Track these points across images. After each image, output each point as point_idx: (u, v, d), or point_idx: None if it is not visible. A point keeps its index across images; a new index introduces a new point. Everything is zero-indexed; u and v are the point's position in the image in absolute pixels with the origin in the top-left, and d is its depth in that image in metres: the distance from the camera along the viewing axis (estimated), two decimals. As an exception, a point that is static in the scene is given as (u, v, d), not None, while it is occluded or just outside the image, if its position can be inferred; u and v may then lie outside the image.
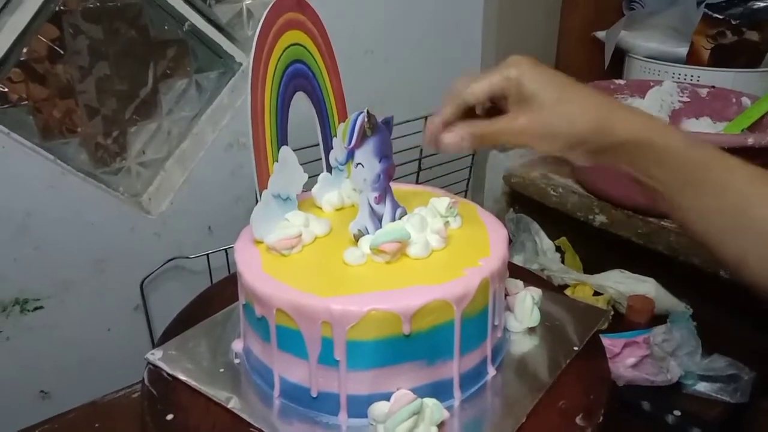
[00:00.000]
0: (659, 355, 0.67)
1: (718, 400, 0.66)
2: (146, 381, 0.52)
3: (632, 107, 0.48)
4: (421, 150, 0.93)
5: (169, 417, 0.47)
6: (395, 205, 0.52)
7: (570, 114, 0.45)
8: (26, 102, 0.72)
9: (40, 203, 0.72)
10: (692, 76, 0.99)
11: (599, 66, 1.11)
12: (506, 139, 0.48)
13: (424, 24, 0.98)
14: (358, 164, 0.49)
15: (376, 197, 0.50)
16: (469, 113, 0.50)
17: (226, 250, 0.81)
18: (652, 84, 0.99)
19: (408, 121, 0.85)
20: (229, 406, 0.47)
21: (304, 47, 0.55)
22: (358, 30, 0.90)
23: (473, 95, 0.48)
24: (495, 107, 0.50)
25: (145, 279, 0.80)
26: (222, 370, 0.52)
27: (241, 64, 0.84)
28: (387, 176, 0.50)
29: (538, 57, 1.22)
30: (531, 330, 0.55)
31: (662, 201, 0.48)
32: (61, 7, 0.71)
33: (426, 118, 0.90)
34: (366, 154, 0.48)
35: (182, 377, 0.51)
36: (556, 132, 0.46)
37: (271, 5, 0.51)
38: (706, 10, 0.99)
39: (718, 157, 0.45)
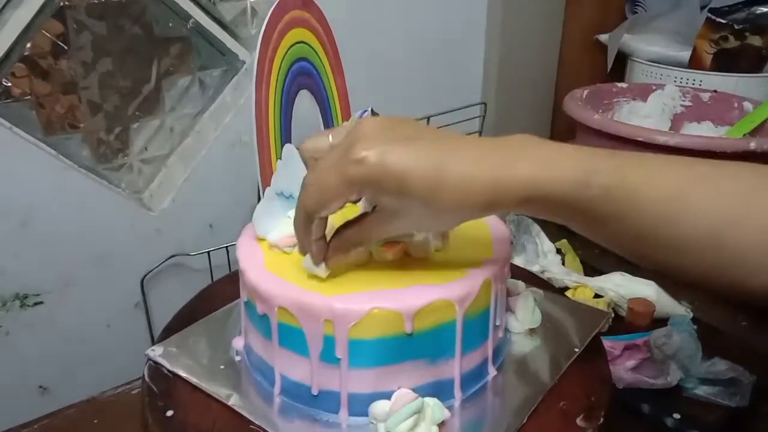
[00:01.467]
0: (659, 358, 0.67)
1: (718, 404, 0.65)
2: (146, 377, 0.51)
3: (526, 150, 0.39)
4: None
5: (170, 413, 0.47)
6: (398, 205, 0.52)
7: (449, 202, 0.38)
8: (29, 97, 0.72)
9: (42, 198, 0.72)
10: (694, 80, 0.99)
11: (602, 69, 1.12)
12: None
13: (428, 25, 0.98)
14: (361, 163, 0.49)
15: (379, 196, 0.50)
16: None
17: (227, 247, 0.81)
18: (654, 88, 0.99)
19: (410, 121, 0.85)
20: (229, 404, 0.47)
21: (309, 45, 0.55)
22: (362, 30, 0.90)
23: (327, 212, 0.41)
24: None
25: (145, 276, 0.80)
26: (222, 367, 0.51)
27: (244, 62, 0.84)
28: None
29: (541, 58, 1.21)
30: (532, 331, 0.55)
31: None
32: (66, 3, 0.71)
33: (428, 119, 0.91)
34: (369, 152, 0.48)
35: (183, 374, 0.50)
36: (444, 222, 0.42)
37: (276, 3, 0.51)
38: (709, 15, 0.99)
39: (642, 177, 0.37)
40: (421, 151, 0.37)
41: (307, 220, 0.41)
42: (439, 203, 0.38)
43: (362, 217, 0.43)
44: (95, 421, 0.69)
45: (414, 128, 0.40)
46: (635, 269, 0.86)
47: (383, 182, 0.37)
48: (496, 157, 0.38)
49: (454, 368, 0.46)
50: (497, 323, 0.50)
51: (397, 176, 0.37)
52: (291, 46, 0.53)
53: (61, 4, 0.71)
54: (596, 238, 0.42)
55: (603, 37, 1.12)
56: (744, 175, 0.38)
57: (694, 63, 1.01)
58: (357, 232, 0.43)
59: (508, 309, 0.55)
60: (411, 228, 0.42)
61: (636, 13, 1.11)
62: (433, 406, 0.43)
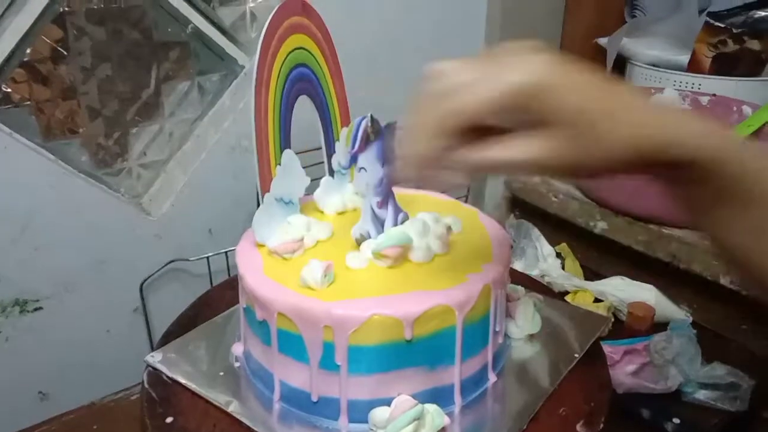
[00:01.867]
0: (659, 363, 0.68)
1: (718, 409, 0.66)
2: (146, 383, 0.51)
3: (698, 117, 0.35)
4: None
5: (169, 420, 0.47)
6: (397, 210, 0.52)
7: (621, 135, 0.32)
8: (29, 102, 0.73)
9: (41, 203, 0.72)
10: (693, 83, 1.00)
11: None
12: (525, 170, 0.36)
13: (428, 28, 0.99)
14: (361, 169, 0.49)
15: (378, 202, 0.50)
16: None
17: (226, 253, 0.81)
18: (653, 91, 1.00)
19: (410, 126, 0.85)
20: (228, 410, 0.47)
21: (308, 51, 0.55)
22: (362, 33, 0.90)
23: (474, 116, 0.33)
24: None
25: (145, 281, 0.81)
26: (222, 373, 0.51)
27: (243, 67, 0.85)
28: (390, 181, 0.51)
29: None
30: (532, 336, 0.55)
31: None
32: (65, 9, 0.72)
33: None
34: (369, 158, 0.49)
35: (182, 380, 0.51)
36: (600, 158, 0.33)
37: (276, 9, 0.51)
38: (708, 19, 1.00)
39: None
40: (595, 78, 0.33)
41: (430, 117, 0.35)
42: (608, 133, 0.33)
43: (497, 137, 0.35)
44: (94, 427, 0.69)
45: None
46: (635, 273, 0.86)
47: (555, 95, 0.32)
48: (668, 110, 0.35)
49: (453, 374, 0.46)
50: (497, 329, 0.50)
51: (570, 91, 0.32)
52: (290, 51, 0.53)
53: (61, 9, 0.72)
54: (724, 229, 0.38)
55: (602, 41, 1.12)
56: None
57: (693, 66, 1.02)
58: (501, 151, 0.34)
59: (508, 314, 0.55)
60: (561, 164, 0.34)
61: (635, 16, 1.12)
62: (432, 412, 0.44)
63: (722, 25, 0.98)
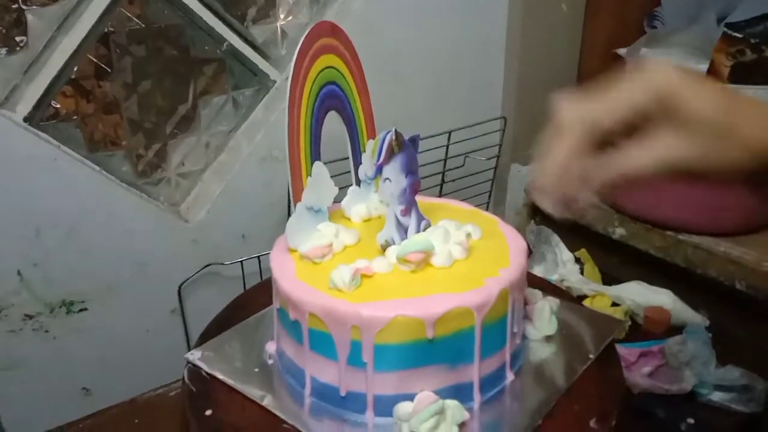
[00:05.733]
0: (674, 365, 0.69)
1: (732, 410, 0.67)
2: (186, 379, 0.54)
3: None
4: (445, 163, 0.95)
5: (208, 412, 0.50)
6: (420, 218, 0.55)
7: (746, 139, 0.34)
8: (75, 117, 0.76)
9: (86, 211, 0.75)
10: (712, 92, 1.00)
11: (621, 82, 1.13)
12: (659, 170, 0.36)
13: (449, 42, 1.00)
14: (386, 179, 0.52)
15: (402, 210, 0.53)
16: None
17: (259, 257, 0.83)
18: (672, 100, 1.00)
19: (432, 136, 0.87)
20: (263, 404, 0.50)
21: (337, 70, 0.58)
22: (384, 48, 0.92)
23: (611, 118, 0.36)
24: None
25: (182, 284, 0.83)
26: (256, 369, 0.54)
27: (275, 82, 0.87)
28: (413, 191, 0.53)
29: (560, 73, 1.21)
30: (549, 338, 0.57)
31: None
32: (109, 29, 0.76)
33: (450, 133, 0.93)
34: (393, 169, 0.51)
35: (220, 376, 0.54)
36: (727, 159, 0.35)
37: (307, 31, 0.54)
38: (726, 29, 1.00)
39: None
40: (721, 88, 0.36)
41: (565, 124, 0.37)
42: (736, 132, 0.34)
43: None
44: (135, 421, 0.72)
45: None
46: (652, 278, 0.88)
47: (683, 87, 0.34)
48: None
49: (473, 372, 0.49)
50: (515, 330, 0.52)
51: (693, 81, 0.35)
52: (321, 71, 0.56)
53: (105, 30, 0.75)
54: None
55: (622, 51, 1.13)
56: None
57: (712, 76, 1.02)
58: (640, 156, 0.36)
59: (526, 317, 0.57)
60: (692, 158, 0.35)
61: (654, 27, 1.13)
62: (453, 407, 0.46)
63: (740, 36, 0.99)
